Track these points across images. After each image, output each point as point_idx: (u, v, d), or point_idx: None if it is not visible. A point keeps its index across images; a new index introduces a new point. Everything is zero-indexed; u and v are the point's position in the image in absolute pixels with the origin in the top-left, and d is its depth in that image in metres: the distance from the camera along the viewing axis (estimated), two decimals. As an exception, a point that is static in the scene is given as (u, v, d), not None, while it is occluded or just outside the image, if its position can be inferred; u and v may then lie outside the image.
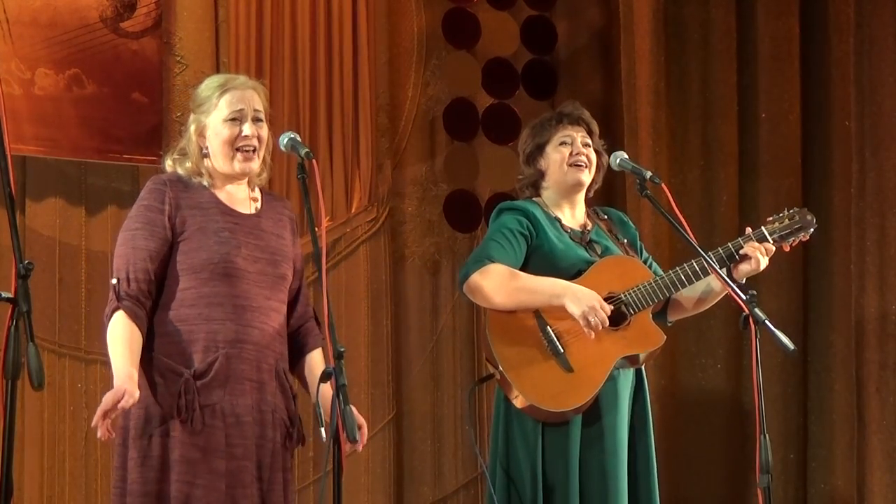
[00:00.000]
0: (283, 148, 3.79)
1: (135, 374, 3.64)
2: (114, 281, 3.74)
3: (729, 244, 4.31)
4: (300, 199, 3.72)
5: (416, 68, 6.71)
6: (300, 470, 6.10)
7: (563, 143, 4.43)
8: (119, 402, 3.57)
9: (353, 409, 3.60)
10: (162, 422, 3.67)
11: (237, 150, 3.83)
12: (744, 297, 3.90)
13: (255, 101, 3.87)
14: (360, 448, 3.70)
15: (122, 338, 3.67)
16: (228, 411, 3.70)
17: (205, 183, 3.86)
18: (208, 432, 3.67)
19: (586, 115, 4.50)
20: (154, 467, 3.66)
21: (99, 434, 3.59)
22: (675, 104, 6.45)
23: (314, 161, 3.67)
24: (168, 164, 3.93)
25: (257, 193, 3.93)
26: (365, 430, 3.79)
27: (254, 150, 3.84)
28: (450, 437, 6.56)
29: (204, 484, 3.65)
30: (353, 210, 6.42)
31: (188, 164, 3.87)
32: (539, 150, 4.46)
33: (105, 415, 3.57)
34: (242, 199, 3.89)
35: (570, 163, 4.40)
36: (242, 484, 3.70)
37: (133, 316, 3.69)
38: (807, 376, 6.27)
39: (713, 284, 4.35)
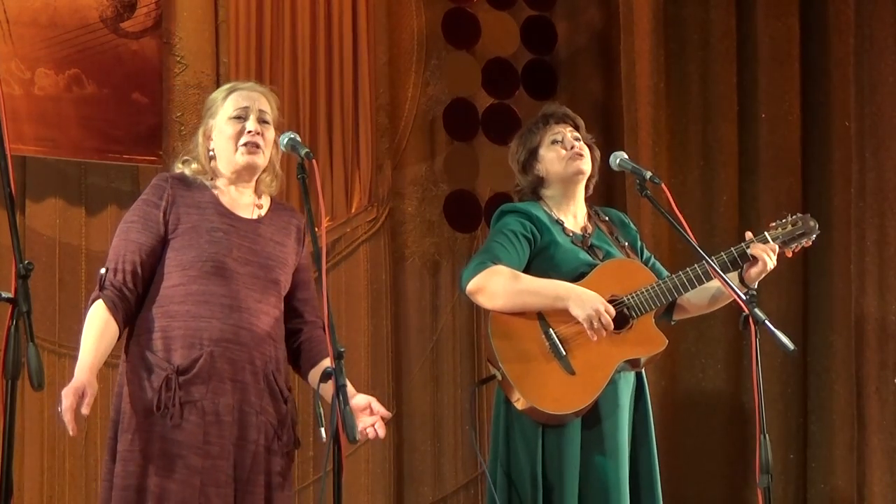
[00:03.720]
0: (283, 148, 3.80)
1: (96, 366, 3.67)
2: (102, 270, 3.78)
3: (732, 249, 4.31)
4: (300, 199, 3.72)
5: (416, 68, 6.71)
6: (300, 470, 6.10)
7: (554, 142, 4.44)
8: (80, 398, 3.57)
9: (359, 396, 3.73)
10: (145, 416, 3.68)
11: (241, 145, 3.84)
12: (744, 297, 3.90)
13: (262, 102, 3.90)
14: (386, 413, 3.81)
15: (94, 328, 3.71)
16: (209, 409, 3.70)
17: (207, 184, 3.87)
18: (186, 428, 3.67)
19: (570, 112, 4.52)
20: (136, 461, 3.67)
21: (71, 430, 3.59)
22: (675, 104, 6.45)
23: (314, 161, 3.67)
24: (177, 168, 3.97)
25: (264, 201, 3.94)
26: (376, 406, 3.82)
27: (257, 147, 3.85)
28: (450, 437, 6.56)
29: (179, 479, 3.66)
30: (353, 210, 6.42)
31: (195, 166, 3.90)
32: (532, 154, 4.46)
33: (72, 410, 3.58)
34: (246, 203, 3.90)
35: (567, 156, 4.40)
36: (216, 483, 3.69)
37: (112, 307, 3.71)
38: (807, 376, 6.27)
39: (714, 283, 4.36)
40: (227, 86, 3.99)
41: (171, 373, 3.68)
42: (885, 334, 5.96)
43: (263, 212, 3.92)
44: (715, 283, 4.31)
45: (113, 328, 3.72)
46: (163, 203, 3.81)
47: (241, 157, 3.85)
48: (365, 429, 3.80)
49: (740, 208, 6.33)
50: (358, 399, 3.83)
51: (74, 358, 5.70)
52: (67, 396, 3.59)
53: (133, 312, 3.77)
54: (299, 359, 3.94)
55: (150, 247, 3.78)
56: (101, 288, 3.74)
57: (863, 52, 6.09)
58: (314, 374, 3.88)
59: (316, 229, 3.66)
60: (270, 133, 3.89)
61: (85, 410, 3.60)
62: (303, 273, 3.95)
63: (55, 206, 5.89)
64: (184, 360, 3.70)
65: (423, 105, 6.73)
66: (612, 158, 4.37)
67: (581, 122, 4.52)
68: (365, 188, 6.44)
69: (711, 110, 6.44)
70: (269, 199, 3.97)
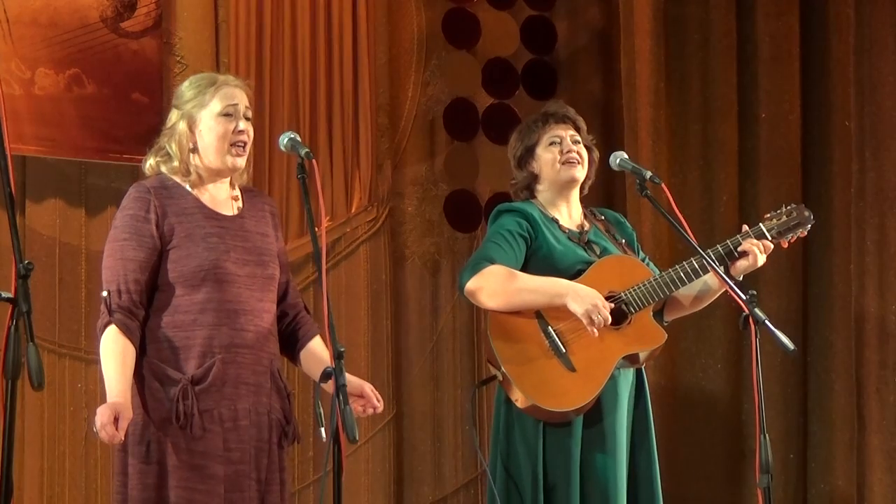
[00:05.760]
0: (283, 148, 3.79)
1: (128, 393, 3.66)
2: (104, 293, 3.74)
3: (728, 241, 4.31)
4: (300, 199, 3.72)
5: (416, 68, 6.71)
6: (300, 470, 6.10)
7: (552, 143, 4.44)
8: (115, 418, 3.57)
9: (353, 377, 3.73)
10: (160, 427, 3.67)
11: (231, 145, 3.83)
12: (744, 296, 3.90)
13: (245, 98, 3.89)
14: (377, 405, 3.84)
15: (114, 354, 3.67)
16: (227, 416, 3.70)
17: (187, 186, 3.85)
18: (206, 437, 3.68)
19: (572, 112, 4.51)
20: (153, 473, 3.66)
21: (111, 439, 3.59)
22: (675, 104, 6.45)
23: (314, 161, 3.67)
24: (150, 165, 3.91)
25: (237, 192, 3.93)
26: (369, 391, 3.84)
27: (244, 146, 3.85)
28: (450, 437, 6.56)
29: (204, 489, 3.66)
30: (353, 210, 6.42)
31: (175, 164, 3.85)
32: (529, 152, 4.46)
33: (106, 426, 3.57)
34: (224, 199, 3.89)
35: (562, 161, 4.41)
36: (240, 488, 3.69)
37: (125, 330, 3.69)
38: (807, 376, 6.27)
39: (710, 282, 4.36)
40: (207, 77, 3.92)
41: (186, 383, 3.67)
42: (885, 334, 5.96)
43: (241, 203, 3.91)
44: (700, 281, 4.32)
45: (131, 351, 3.69)
46: (152, 216, 3.77)
47: (230, 159, 3.83)
48: (357, 407, 3.81)
49: (740, 208, 6.33)
50: (352, 385, 3.81)
51: (74, 358, 5.79)
52: (103, 413, 3.58)
53: (142, 329, 3.75)
54: (289, 341, 3.94)
55: (148, 262, 3.75)
56: (110, 312, 3.70)
57: (863, 52, 6.10)
58: (305, 357, 3.91)
59: (316, 229, 3.66)
60: (251, 130, 3.89)
61: (121, 435, 3.59)
62: (281, 257, 3.96)
63: (55, 206, 5.89)
64: (197, 370, 3.70)
65: (423, 105, 6.72)
66: (612, 158, 4.37)
67: (582, 124, 4.51)
68: (365, 188, 6.44)
69: (711, 110, 6.44)
70: (238, 188, 3.96)
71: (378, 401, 3.87)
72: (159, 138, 3.92)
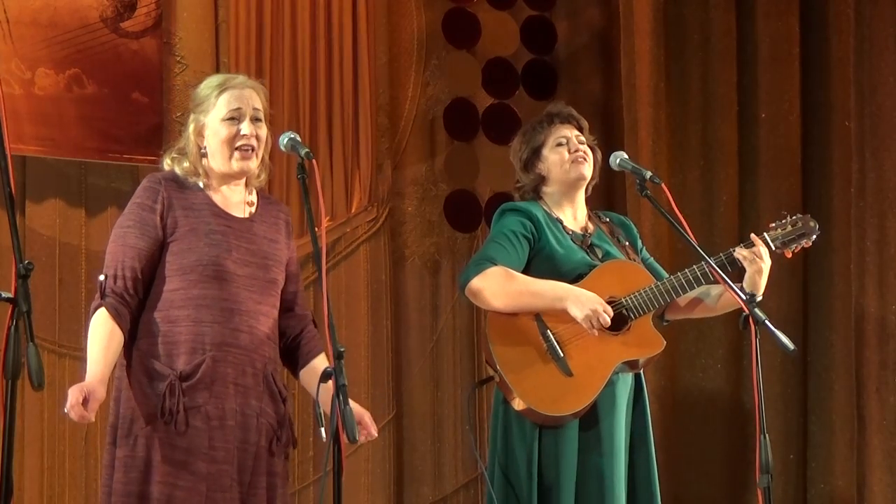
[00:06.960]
0: (282, 148, 3.79)
1: (106, 375, 3.66)
2: (101, 277, 3.75)
3: (730, 250, 4.30)
4: (300, 199, 3.72)
5: (416, 68, 6.72)
6: (300, 470, 6.11)
7: (559, 144, 4.44)
8: (84, 400, 3.57)
9: (354, 405, 3.64)
10: (147, 422, 3.67)
11: (235, 149, 3.82)
12: (744, 296, 3.90)
13: (255, 99, 3.86)
14: (374, 434, 3.81)
15: (100, 337, 3.69)
16: (213, 414, 3.69)
17: (200, 184, 3.85)
18: (192, 434, 3.67)
19: (575, 112, 4.52)
20: (138, 468, 3.66)
21: (80, 418, 3.60)
22: (675, 104, 6.45)
23: (314, 161, 3.66)
24: (166, 163, 3.93)
25: (254, 197, 3.93)
26: (367, 421, 3.81)
27: (252, 150, 3.83)
28: (450, 437, 6.56)
29: (185, 486, 3.65)
30: (353, 210, 6.42)
31: (186, 164, 3.87)
32: (536, 154, 4.45)
33: (74, 407, 3.58)
34: (237, 202, 3.88)
35: (571, 159, 4.40)
36: (222, 488, 3.68)
37: (115, 314, 3.69)
38: (807, 376, 6.27)
39: (711, 290, 4.35)
40: (216, 80, 3.92)
41: (174, 379, 3.67)
42: (885, 334, 5.96)
43: (254, 209, 3.91)
44: (694, 293, 4.31)
45: (118, 336, 3.70)
46: (159, 206, 3.78)
47: (237, 164, 3.83)
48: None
49: (740, 208, 6.33)
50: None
51: (74, 358, 5.78)
52: (73, 393, 3.60)
53: (135, 318, 3.76)
54: (293, 355, 3.94)
55: (148, 252, 3.76)
56: (103, 295, 3.72)
57: (863, 52, 6.10)
58: (307, 374, 3.90)
59: (316, 229, 3.65)
60: (263, 131, 3.87)
61: (90, 416, 3.60)
62: (291, 266, 3.95)
63: (55, 206, 5.89)
64: (186, 366, 3.69)
65: (423, 105, 6.73)
66: (612, 158, 4.37)
67: (585, 124, 4.52)
68: (365, 188, 6.44)
69: (711, 110, 6.45)
70: (255, 193, 3.96)
71: (374, 429, 3.86)
72: (179, 139, 3.95)
